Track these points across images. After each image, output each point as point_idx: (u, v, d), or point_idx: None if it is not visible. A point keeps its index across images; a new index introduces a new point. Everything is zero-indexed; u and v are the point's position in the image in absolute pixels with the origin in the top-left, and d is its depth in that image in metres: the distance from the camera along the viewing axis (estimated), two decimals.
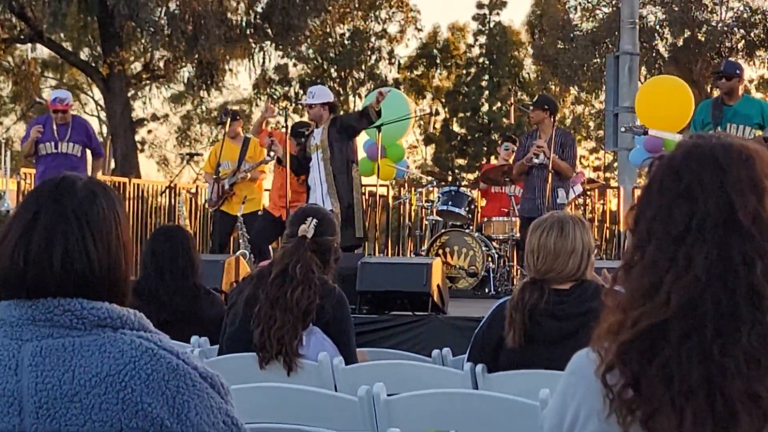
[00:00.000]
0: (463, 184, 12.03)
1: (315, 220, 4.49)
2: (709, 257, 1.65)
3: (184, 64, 27.86)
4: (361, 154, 11.96)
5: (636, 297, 1.67)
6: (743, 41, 29.57)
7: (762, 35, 29.40)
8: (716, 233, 1.66)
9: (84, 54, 31.56)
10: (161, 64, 28.12)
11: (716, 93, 32.45)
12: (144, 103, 38.38)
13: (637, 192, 12.80)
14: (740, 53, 29.91)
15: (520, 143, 10.20)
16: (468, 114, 39.46)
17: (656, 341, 1.63)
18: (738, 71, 8.93)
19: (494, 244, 10.23)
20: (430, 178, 12.22)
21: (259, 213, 10.27)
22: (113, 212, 2.04)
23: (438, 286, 7.28)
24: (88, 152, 10.14)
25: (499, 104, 38.73)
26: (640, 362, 1.63)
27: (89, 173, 10.24)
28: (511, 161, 11.40)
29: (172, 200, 13.74)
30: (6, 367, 1.92)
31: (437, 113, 39.38)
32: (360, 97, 38.39)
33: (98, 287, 1.99)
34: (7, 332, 1.95)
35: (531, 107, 9.90)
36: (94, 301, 1.96)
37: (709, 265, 1.64)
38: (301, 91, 37.07)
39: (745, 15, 29.07)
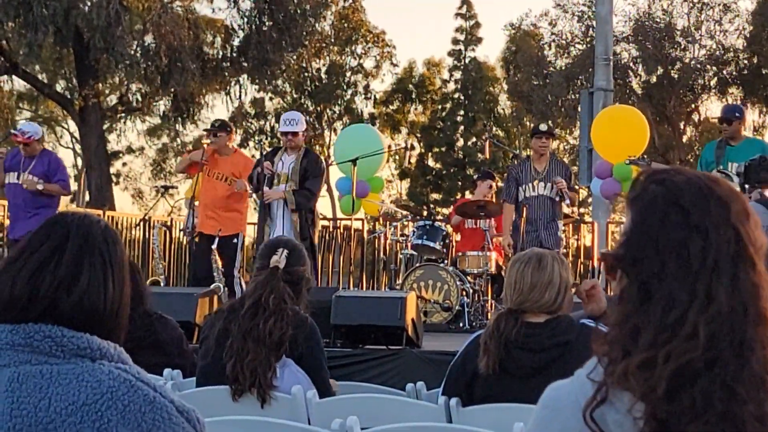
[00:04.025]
0: (437, 218, 12.03)
1: (286, 251, 4.51)
2: (727, 289, 1.67)
3: (159, 97, 27.87)
4: (336, 192, 11.92)
5: (660, 333, 1.67)
6: (716, 78, 29.86)
7: (734, 73, 29.70)
8: (728, 265, 1.69)
9: (59, 86, 31.52)
10: (137, 97, 28.12)
11: (689, 130, 32.58)
12: (119, 135, 38.38)
13: (612, 227, 12.85)
14: (713, 90, 30.21)
15: (510, 174, 10.20)
16: (443, 149, 39.62)
17: (686, 375, 1.65)
18: (737, 114, 9.14)
19: (469, 278, 10.23)
20: (405, 212, 12.25)
21: (234, 241, 10.00)
22: (125, 256, 2.13)
23: (412, 320, 7.26)
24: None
25: (474, 139, 38.91)
26: (672, 396, 1.64)
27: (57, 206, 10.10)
28: (491, 197, 11.45)
29: (146, 233, 13.69)
30: None
31: (412, 148, 39.51)
32: (335, 131, 38.50)
33: (104, 323, 2.03)
34: None
35: (545, 135, 9.87)
36: (75, 331, 1.98)
37: (728, 296, 1.67)
38: (277, 125, 37.14)
39: (717, 53, 29.38)
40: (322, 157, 9.91)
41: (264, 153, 9.83)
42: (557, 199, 9.75)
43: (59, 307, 1.98)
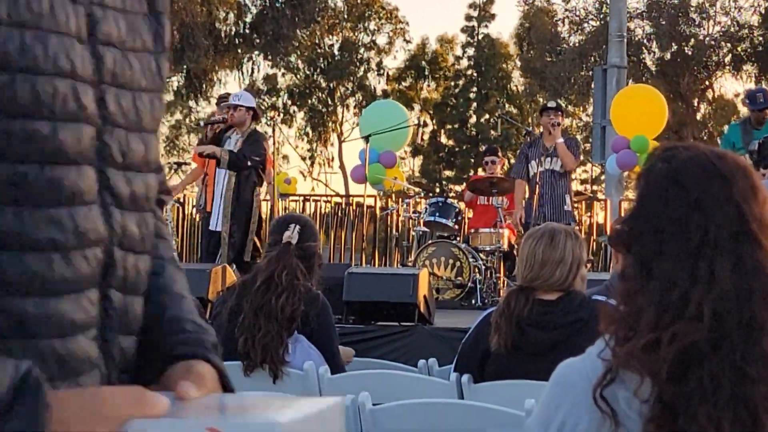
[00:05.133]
0: (450, 195, 12.01)
1: (298, 227, 4.51)
2: (730, 268, 1.65)
3: (172, 74, 27.86)
4: (357, 161, 11.90)
5: (662, 313, 1.65)
6: (730, 55, 29.70)
7: (749, 50, 29.54)
8: (730, 243, 1.67)
9: None
10: None
11: (703, 107, 32.19)
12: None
13: (625, 204, 12.84)
14: (727, 67, 30.05)
15: (521, 151, 10.37)
16: (456, 126, 39.52)
17: (692, 356, 1.64)
18: None
19: (481, 255, 10.22)
20: (417, 189, 12.23)
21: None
22: None
23: (424, 296, 7.27)
24: None
25: (486, 116, 38.79)
26: (679, 378, 1.63)
27: None
28: (498, 172, 11.42)
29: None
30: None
31: (425, 125, 39.43)
32: (348, 108, 38.45)
33: None
34: None
35: (554, 112, 9.95)
36: None
37: (732, 275, 1.65)
38: (290, 102, 37.10)
39: (732, 29, 29.20)
40: (265, 136, 9.83)
41: (212, 121, 9.88)
42: (563, 171, 9.82)
43: None
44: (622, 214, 1.86)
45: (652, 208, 1.72)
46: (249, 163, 9.17)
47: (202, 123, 9.43)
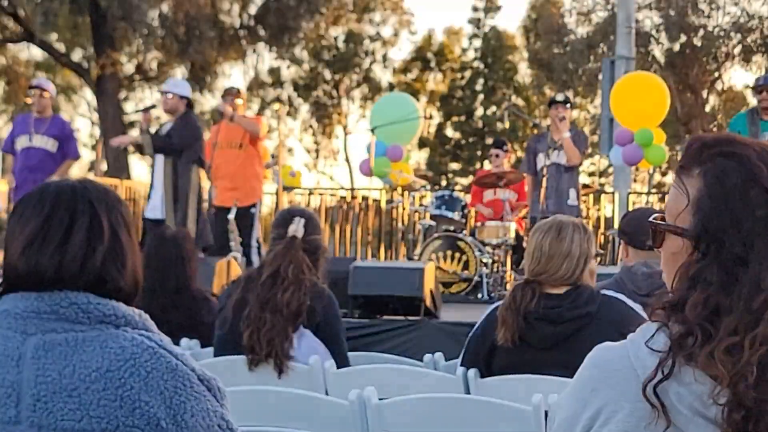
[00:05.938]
0: (456, 188, 11.96)
1: (303, 220, 4.48)
2: None
3: (177, 66, 27.82)
4: (362, 154, 11.86)
5: (744, 316, 1.63)
6: (740, 46, 29.59)
7: (759, 40, 29.43)
8: None
9: (76, 55, 31.49)
10: (154, 65, 28.07)
11: (712, 99, 32.09)
12: (136, 104, 38.37)
13: (633, 198, 12.73)
14: (736, 58, 29.96)
15: (529, 145, 10.33)
16: (462, 118, 39.46)
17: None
18: None
19: (488, 248, 10.17)
20: (424, 182, 12.14)
21: (252, 210, 9.87)
22: (131, 221, 2.11)
23: (431, 290, 7.23)
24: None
25: (493, 108, 38.72)
26: (760, 383, 1.60)
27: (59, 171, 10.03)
28: (505, 166, 11.35)
29: None
30: (9, 358, 1.93)
31: (431, 117, 39.35)
32: (353, 100, 38.41)
33: (122, 290, 2.02)
34: (11, 324, 1.96)
35: (561, 105, 9.88)
36: (101, 298, 1.98)
37: None
38: (294, 94, 37.07)
39: (741, 20, 29.08)
40: (196, 117, 9.60)
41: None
42: (568, 165, 9.76)
43: (85, 278, 1.98)
44: (674, 205, 1.75)
45: (733, 210, 1.67)
46: (176, 141, 9.02)
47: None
